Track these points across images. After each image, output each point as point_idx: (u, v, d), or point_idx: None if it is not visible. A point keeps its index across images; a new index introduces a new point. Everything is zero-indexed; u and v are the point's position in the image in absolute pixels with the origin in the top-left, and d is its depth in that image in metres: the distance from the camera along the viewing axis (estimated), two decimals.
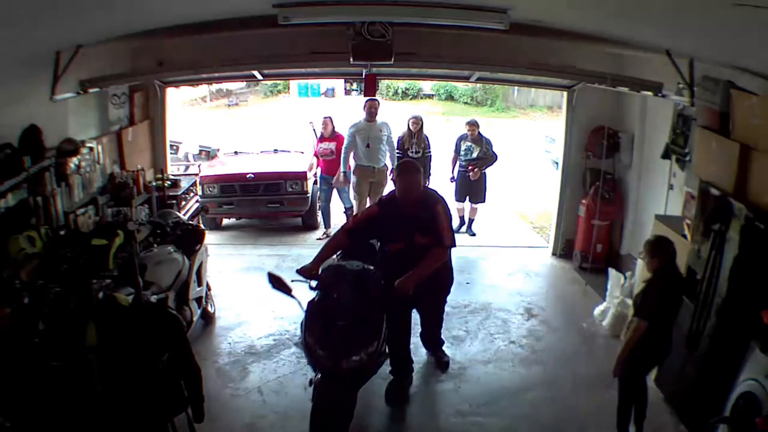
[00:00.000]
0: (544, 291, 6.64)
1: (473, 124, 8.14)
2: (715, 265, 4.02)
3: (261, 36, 5.71)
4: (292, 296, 3.98)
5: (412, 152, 7.74)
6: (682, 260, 4.18)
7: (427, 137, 7.98)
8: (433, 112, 20.70)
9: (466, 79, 7.30)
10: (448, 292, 4.79)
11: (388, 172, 7.52)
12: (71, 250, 4.12)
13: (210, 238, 6.44)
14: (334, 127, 8.20)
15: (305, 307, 4.00)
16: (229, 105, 23.93)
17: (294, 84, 23.85)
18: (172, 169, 9.25)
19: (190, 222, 5.98)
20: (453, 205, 7.91)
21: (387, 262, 4.30)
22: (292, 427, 4.14)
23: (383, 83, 20.18)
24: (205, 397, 3.36)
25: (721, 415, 3.75)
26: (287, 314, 5.53)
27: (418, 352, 4.97)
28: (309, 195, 8.42)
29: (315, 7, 4.31)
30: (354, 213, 7.56)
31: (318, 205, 8.63)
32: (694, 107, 4.84)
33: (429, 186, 5.25)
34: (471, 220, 8.38)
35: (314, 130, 9.29)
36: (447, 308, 5.04)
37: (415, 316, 4.74)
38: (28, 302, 3.52)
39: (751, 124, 4.06)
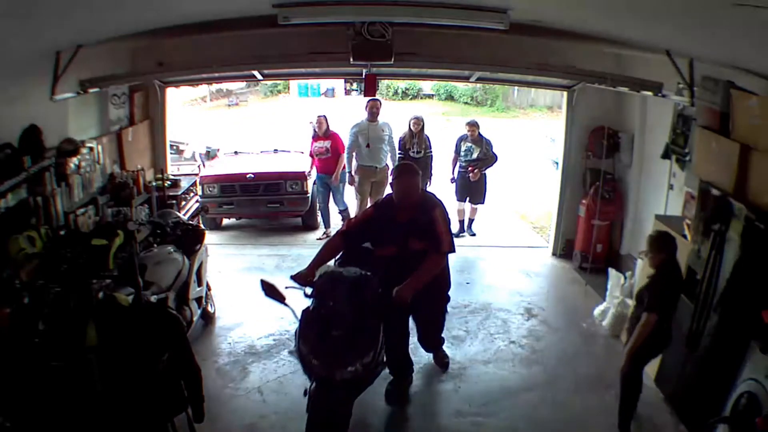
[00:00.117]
0: (544, 291, 6.64)
1: (473, 125, 8.11)
2: (715, 265, 4.02)
3: (261, 36, 5.71)
4: (286, 304, 3.88)
5: (414, 152, 7.74)
6: (683, 260, 4.18)
7: (428, 137, 7.97)
8: (433, 112, 20.69)
9: (466, 79, 7.30)
10: (448, 299, 4.74)
11: (389, 172, 7.52)
12: (71, 250, 4.12)
13: (210, 238, 6.45)
14: (328, 126, 8.14)
15: (299, 316, 3.88)
16: (229, 105, 23.95)
17: (294, 84, 23.88)
18: (183, 170, 9.31)
19: (190, 222, 5.98)
20: (453, 207, 7.93)
21: (380, 268, 4.18)
22: (292, 427, 4.12)
23: (383, 83, 20.18)
24: (205, 397, 3.35)
25: (721, 415, 3.75)
26: (287, 314, 5.50)
27: (418, 352, 4.96)
28: (309, 195, 8.42)
29: (315, 7, 4.30)
30: (353, 215, 7.56)
31: (318, 205, 8.63)
32: (694, 107, 4.83)
33: (428, 188, 5.25)
34: (471, 220, 8.38)
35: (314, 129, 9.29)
36: (447, 308, 5.00)
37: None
38: (28, 302, 3.53)
39: (751, 124, 4.06)
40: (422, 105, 22.25)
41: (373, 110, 7.57)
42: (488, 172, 8.14)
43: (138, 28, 4.72)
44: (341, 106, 15.36)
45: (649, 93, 5.24)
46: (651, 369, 4.47)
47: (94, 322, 2.92)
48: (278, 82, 22.76)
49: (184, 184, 7.20)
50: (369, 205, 7.16)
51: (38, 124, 4.60)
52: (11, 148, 4.29)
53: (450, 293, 4.79)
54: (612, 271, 5.84)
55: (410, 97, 24.60)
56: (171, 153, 7.98)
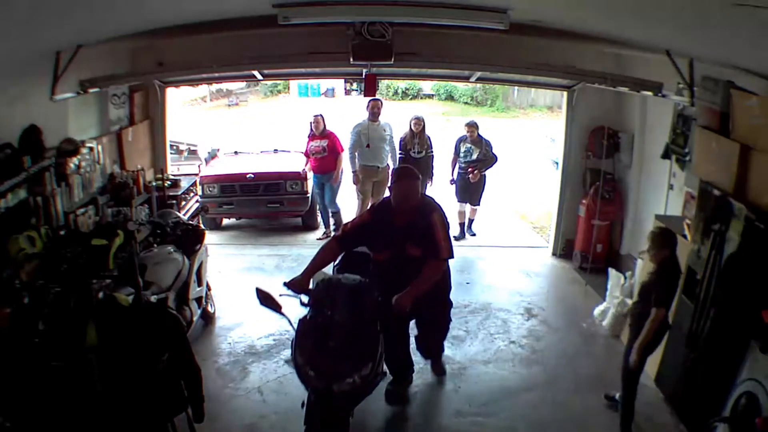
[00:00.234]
0: (544, 291, 6.64)
1: (472, 126, 8.05)
2: (715, 265, 4.02)
3: (260, 36, 5.71)
4: (282, 314, 3.77)
5: (415, 153, 7.74)
6: (683, 260, 4.18)
7: (429, 138, 7.96)
8: (433, 112, 20.69)
9: (466, 79, 7.30)
10: (450, 304, 4.66)
11: (390, 172, 7.52)
12: (71, 250, 4.12)
13: (210, 238, 6.45)
14: (325, 125, 8.10)
15: (296, 326, 3.78)
16: (229, 105, 23.97)
17: (294, 84, 23.91)
18: (182, 170, 9.31)
19: (190, 222, 5.98)
20: (454, 208, 7.92)
21: (377, 274, 4.07)
22: (292, 427, 4.11)
23: (383, 83, 20.18)
24: (205, 397, 3.35)
25: (721, 415, 3.75)
26: (287, 314, 5.51)
27: (418, 353, 4.95)
28: (309, 195, 8.41)
29: (315, 7, 4.30)
30: (354, 214, 7.56)
31: (317, 206, 8.62)
32: (694, 107, 4.84)
33: (430, 189, 5.20)
34: (471, 220, 8.37)
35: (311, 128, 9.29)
36: (450, 315, 4.86)
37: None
38: (28, 302, 3.53)
39: (751, 124, 4.06)
40: (422, 105, 22.27)
41: (375, 110, 7.58)
42: (488, 172, 8.10)
43: (138, 28, 4.72)
44: (341, 106, 15.37)
45: (649, 93, 5.24)
46: (651, 369, 4.48)
47: (94, 322, 2.92)
48: (278, 82, 22.79)
49: (184, 184, 7.20)
50: (371, 204, 7.20)
51: (38, 124, 4.60)
52: (11, 148, 4.29)
53: (450, 294, 4.73)
54: (612, 271, 5.83)
55: (410, 97, 24.62)
56: (171, 153, 7.98)
